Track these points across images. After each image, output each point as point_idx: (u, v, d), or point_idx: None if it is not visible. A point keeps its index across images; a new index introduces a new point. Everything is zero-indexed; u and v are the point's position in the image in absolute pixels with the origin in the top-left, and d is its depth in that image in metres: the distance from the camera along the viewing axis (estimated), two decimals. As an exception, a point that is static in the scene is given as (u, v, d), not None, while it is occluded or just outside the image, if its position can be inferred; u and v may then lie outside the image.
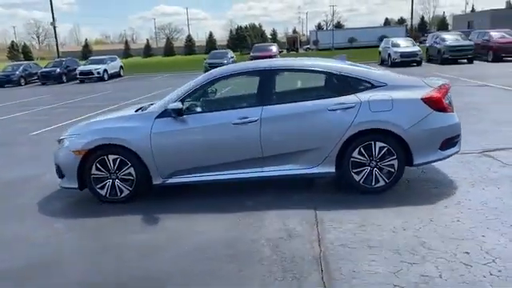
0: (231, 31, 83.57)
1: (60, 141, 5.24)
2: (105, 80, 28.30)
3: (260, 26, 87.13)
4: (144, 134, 4.79)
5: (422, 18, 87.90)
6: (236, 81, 5.25)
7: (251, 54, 27.33)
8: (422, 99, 4.64)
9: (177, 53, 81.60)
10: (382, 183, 4.72)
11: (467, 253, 3.36)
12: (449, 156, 4.81)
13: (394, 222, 3.99)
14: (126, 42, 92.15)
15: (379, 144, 4.63)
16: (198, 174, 4.87)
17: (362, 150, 4.65)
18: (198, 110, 4.98)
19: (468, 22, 79.94)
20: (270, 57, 25.69)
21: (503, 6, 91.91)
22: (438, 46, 27.00)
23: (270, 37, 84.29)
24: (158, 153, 4.77)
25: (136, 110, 5.38)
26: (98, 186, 4.94)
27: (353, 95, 4.70)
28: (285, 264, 3.36)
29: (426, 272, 3.12)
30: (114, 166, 4.87)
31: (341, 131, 4.61)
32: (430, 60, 26.88)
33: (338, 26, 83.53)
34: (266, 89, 4.86)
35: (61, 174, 5.08)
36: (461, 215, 4.07)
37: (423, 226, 3.90)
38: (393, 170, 4.69)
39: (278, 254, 3.53)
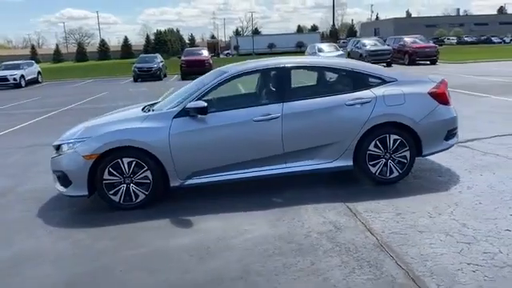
0: (148, 36, 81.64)
1: (58, 147, 4.84)
2: (22, 87, 26.14)
3: (178, 31, 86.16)
4: (162, 135, 4.60)
5: (333, 25, 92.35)
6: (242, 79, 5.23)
7: (182, 57, 26.90)
8: (428, 93, 4.97)
9: (90, 58, 77.84)
10: (395, 174, 4.97)
11: (508, 230, 3.67)
12: (451, 146, 5.19)
13: (426, 208, 4.24)
14: (33, 47, 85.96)
15: (393, 136, 4.88)
16: (218, 174, 4.78)
17: (377, 142, 4.87)
18: (216, 108, 4.86)
19: (374, 29, 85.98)
20: (203, 61, 25.63)
21: (404, 15, 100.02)
22: (359, 50, 28.77)
23: (188, 42, 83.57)
24: (177, 154, 4.60)
25: (142, 109, 5.15)
26: (111, 192, 4.64)
27: (368, 90, 4.91)
28: (352, 254, 3.43)
29: (486, 249, 3.37)
30: (129, 169, 4.60)
31: (359, 125, 4.79)
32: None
33: (256, 32, 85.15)
34: (285, 85, 4.90)
35: (66, 182, 4.68)
36: (479, 198, 4.43)
37: (453, 210, 4.18)
38: (405, 161, 4.96)
39: (339, 245, 3.60)
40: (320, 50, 27.68)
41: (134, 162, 4.60)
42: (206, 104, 4.54)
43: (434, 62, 27.17)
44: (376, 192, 4.76)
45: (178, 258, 3.55)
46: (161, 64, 27.64)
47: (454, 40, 66.62)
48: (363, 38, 31.11)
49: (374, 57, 27.37)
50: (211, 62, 26.53)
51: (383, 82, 5.00)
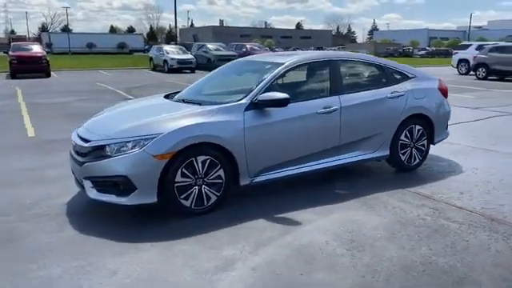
0: None
1: (102, 147, 3.97)
2: None
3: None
4: (237, 130, 4.21)
5: (151, 28, 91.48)
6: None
7: (10, 53, 23.21)
8: (438, 88, 5.69)
9: None
10: (417, 161, 5.55)
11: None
12: (448, 135, 6.00)
13: (471, 185, 4.88)
14: None
15: (417, 127, 5.44)
16: (284, 169, 4.60)
17: (406, 133, 5.36)
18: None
19: (193, 35, 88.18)
20: (39, 57, 22.62)
21: (211, 23, 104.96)
22: (206, 54, 29.35)
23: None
24: (251, 149, 4.28)
25: (165, 97, 5.04)
26: (183, 196, 4.03)
27: (399, 84, 5.36)
28: (481, 231, 3.79)
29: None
30: (203, 169, 4.08)
31: (397, 117, 5.22)
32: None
33: (66, 29, 78.31)
34: (339, 78, 4.99)
35: (127, 189, 3.87)
36: (493, 176, 5.29)
37: (488, 187, 4.91)
38: (423, 149, 5.58)
39: (461, 222, 3.92)
40: (169, 52, 27.32)
41: (209, 161, 4.09)
42: (288, 96, 4.32)
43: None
44: (407, 179, 5.19)
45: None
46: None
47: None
48: (208, 43, 31.78)
49: (222, 61, 28.18)
50: (48, 59, 23.57)
51: (407, 77, 5.52)
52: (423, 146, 5.56)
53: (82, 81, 19.69)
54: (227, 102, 4.40)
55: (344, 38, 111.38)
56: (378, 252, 3.39)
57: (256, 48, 31.61)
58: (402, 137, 5.33)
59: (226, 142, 4.13)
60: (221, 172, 4.17)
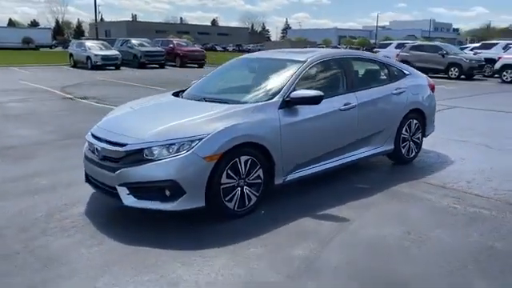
0: None
1: (140, 151, 3.70)
2: None
3: None
4: (274, 128, 4.16)
5: (57, 23, 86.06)
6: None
7: None
8: (428, 85, 6.07)
9: None
10: (413, 153, 5.88)
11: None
12: (435, 128, 6.40)
13: (472, 173, 5.29)
14: None
15: (414, 121, 5.76)
16: (311, 166, 4.62)
17: (406, 127, 5.65)
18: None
19: (105, 30, 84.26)
20: None
21: (126, 18, 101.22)
22: (132, 50, 28.18)
23: None
24: (285, 147, 4.26)
25: (173, 94, 4.99)
26: (227, 198, 3.89)
27: (400, 81, 5.63)
28: (510, 215, 4.13)
29: None
30: (245, 169, 3.97)
31: (401, 112, 5.49)
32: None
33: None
34: (352, 76, 5.11)
35: (178, 193, 3.65)
36: (482, 165, 5.76)
37: (485, 175, 5.35)
38: (419, 142, 5.93)
39: (492, 213, 4.18)
40: (92, 48, 25.87)
41: (250, 161, 3.99)
42: (322, 93, 4.33)
43: (201, 66, 29.12)
44: (412, 171, 5.51)
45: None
46: None
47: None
48: (133, 38, 30.45)
49: (150, 57, 27.57)
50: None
51: (405, 74, 5.81)
52: (418, 138, 5.89)
53: (1, 79, 17.93)
54: (257, 101, 4.31)
55: (259, 36, 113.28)
56: (439, 241, 3.56)
57: (183, 44, 30.99)
58: (403, 131, 5.60)
59: (266, 141, 4.06)
60: (260, 172, 4.08)
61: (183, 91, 5.26)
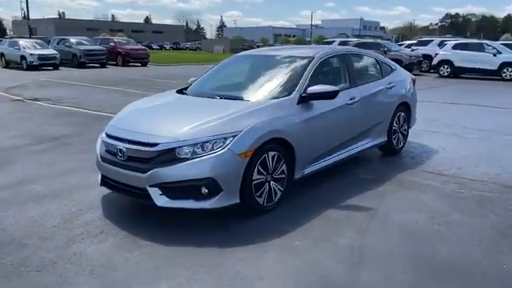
0: None
1: (172, 150, 3.64)
2: None
3: None
4: (296, 123, 4.25)
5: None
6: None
7: None
8: (411, 79, 6.42)
9: None
10: (402, 144, 6.21)
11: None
12: (416, 120, 6.76)
13: (463, 164, 5.68)
14: None
15: (402, 114, 6.08)
16: (322, 160, 4.75)
17: (396, 119, 5.96)
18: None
19: (31, 28, 79.36)
20: None
21: (51, 16, 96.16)
22: (70, 49, 26.85)
23: None
24: (305, 142, 4.35)
25: (178, 92, 4.99)
26: (258, 193, 3.92)
27: (390, 76, 5.92)
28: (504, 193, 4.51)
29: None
30: (273, 165, 4.03)
31: (393, 105, 5.79)
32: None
33: None
34: (354, 71, 5.30)
35: (215, 190, 3.62)
36: (463, 152, 6.21)
37: (470, 161, 5.78)
38: (405, 133, 6.26)
39: (494, 195, 4.52)
40: (27, 47, 24.36)
41: (276, 156, 4.04)
42: (338, 88, 4.46)
43: (145, 64, 28.39)
44: (404, 161, 5.84)
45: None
46: None
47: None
48: (71, 37, 28.95)
49: (90, 56, 26.49)
50: None
51: (392, 69, 6.10)
52: (405, 130, 6.23)
53: None
54: (274, 97, 4.36)
55: (194, 34, 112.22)
56: (463, 223, 3.82)
57: (124, 42, 30.04)
58: (394, 123, 5.89)
59: (290, 137, 4.12)
60: (284, 167, 4.15)
61: (185, 89, 5.20)
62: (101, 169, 4.11)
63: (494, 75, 18.63)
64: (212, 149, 3.62)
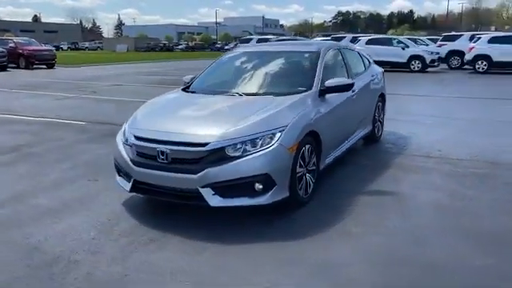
0: None
1: (222, 149, 3.60)
2: None
3: None
4: (321, 116, 4.40)
5: None
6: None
7: None
8: (382, 71, 6.90)
9: None
10: (380, 132, 6.66)
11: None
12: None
13: (441, 146, 6.25)
14: None
15: (380, 104, 6.53)
16: (335, 151, 4.93)
17: (377, 109, 6.38)
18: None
19: None
20: None
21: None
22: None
23: None
24: (327, 134, 4.52)
25: (183, 89, 5.01)
26: (299, 186, 4.01)
27: (370, 69, 6.32)
28: (504, 170, 5.07)
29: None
30: (308, 157, 4.14)
31: (376, 95, 6.20)
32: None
33: None
34: (349, 64, 5.56)
35: (269, 186, 3.63)
36: (433, 136, 6.81)
37: (447, 144, 6.38)
38: (382, 122, 6.72)
39: (490, 171, 5.03)
40: None
41: (310, 149, 4.17)
42: (353, 81, 4.68)
43: (51, 66, 26.45)
44: (389, 148, 6.25)
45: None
46: None
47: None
48: None
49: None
50: None
51: (370, 63, 6.50)
52: (382, 119, 6.67)
53: None
54: (297, 92, 4.44)
55: (90, 33, 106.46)
56: (481, 197, 4.24)
57: (25, 42, 27.59)
58: (375, 113, 6.30)
59: (319, 129, 4.26)
60: (314, 159, 4.27)
61: (188, 87, 5.09)
62: (134, 174, 3.87)
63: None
64: (262, 145, 3.63)
